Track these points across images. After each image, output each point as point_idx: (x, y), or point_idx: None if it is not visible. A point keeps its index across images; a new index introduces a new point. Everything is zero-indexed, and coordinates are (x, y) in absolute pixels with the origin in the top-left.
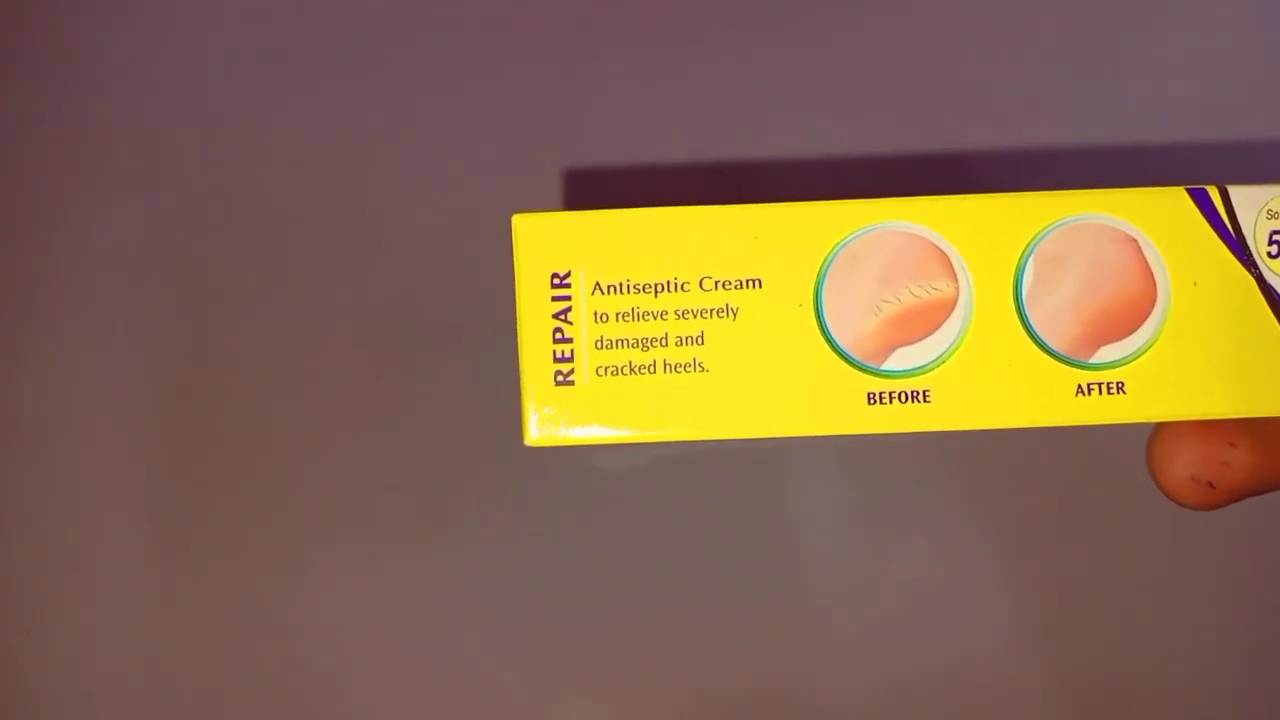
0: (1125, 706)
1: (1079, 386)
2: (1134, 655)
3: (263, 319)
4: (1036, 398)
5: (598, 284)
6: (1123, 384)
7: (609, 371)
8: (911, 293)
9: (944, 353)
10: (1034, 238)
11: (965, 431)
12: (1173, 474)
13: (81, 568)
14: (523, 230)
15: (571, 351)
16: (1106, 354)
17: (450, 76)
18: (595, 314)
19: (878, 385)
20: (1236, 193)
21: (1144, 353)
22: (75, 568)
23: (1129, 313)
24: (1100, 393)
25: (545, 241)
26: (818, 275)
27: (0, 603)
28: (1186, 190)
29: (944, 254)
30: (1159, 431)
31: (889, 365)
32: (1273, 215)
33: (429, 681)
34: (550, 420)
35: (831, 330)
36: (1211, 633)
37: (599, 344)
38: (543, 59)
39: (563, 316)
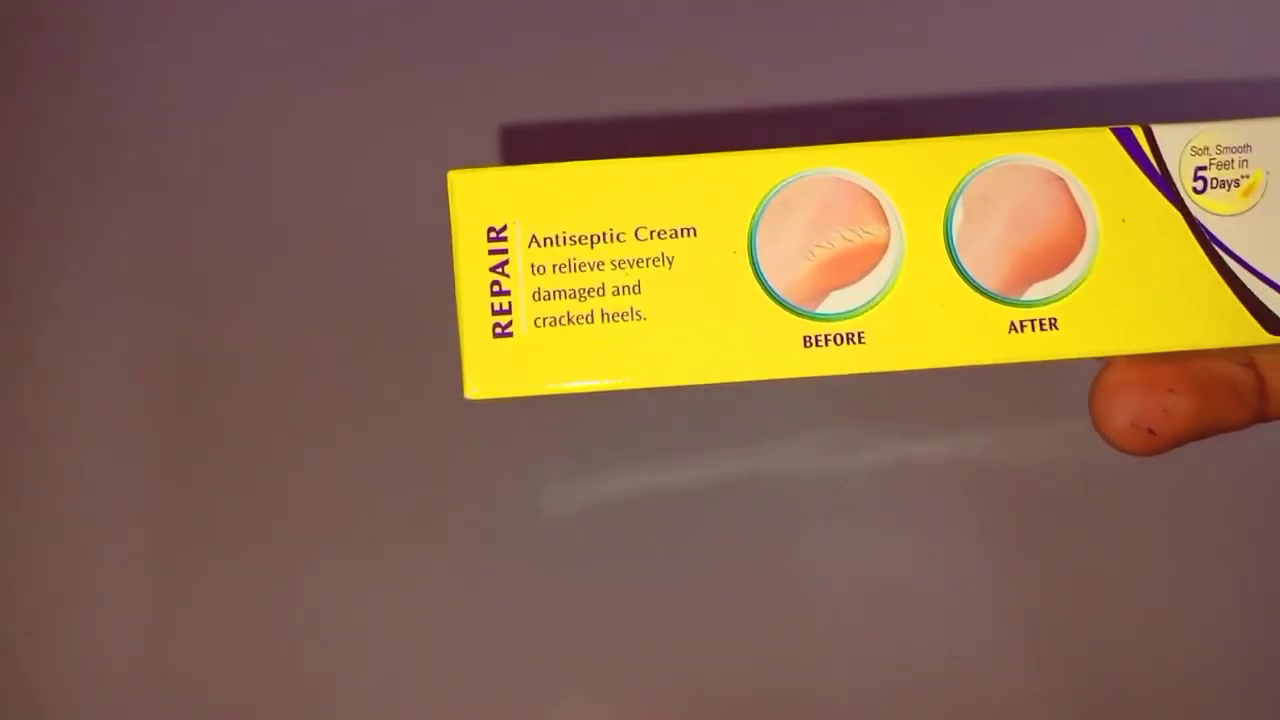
0: (1123, 705)
1: (1012, 324)
2: (1131, 652)
3: (263, 319)
4: (970, 336)
5: (534, 237)
6: (1055, 320)
7: (547, 322)
8: (844, 237)
9: (877, 294)
10: (962, 180)
11: (964, 433)
12: (1115, 422)
13: (81, 568)
14: (459, 186)
15: (509, 304)
16: (1038, 291)
17: (450, 74)
18: (532, 266)
19: (813, 329)
20: (1160, 131)
21: (1075, 289)
22: (75, 568)
23: (1059, 250)
24: (1033, 329)
25: (482, 196)
26: (751, 222)
27: (1, 603)
28: (1111, 130)
29: (874, 198)
30: (1100, 380)
31: (824, 309)
32: (1196, 152)
33: (429, 681)
34: (489, 373)
35: (766, 276)
36: (1206, 626)
37: (536, 295)
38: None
39: (500, 269)
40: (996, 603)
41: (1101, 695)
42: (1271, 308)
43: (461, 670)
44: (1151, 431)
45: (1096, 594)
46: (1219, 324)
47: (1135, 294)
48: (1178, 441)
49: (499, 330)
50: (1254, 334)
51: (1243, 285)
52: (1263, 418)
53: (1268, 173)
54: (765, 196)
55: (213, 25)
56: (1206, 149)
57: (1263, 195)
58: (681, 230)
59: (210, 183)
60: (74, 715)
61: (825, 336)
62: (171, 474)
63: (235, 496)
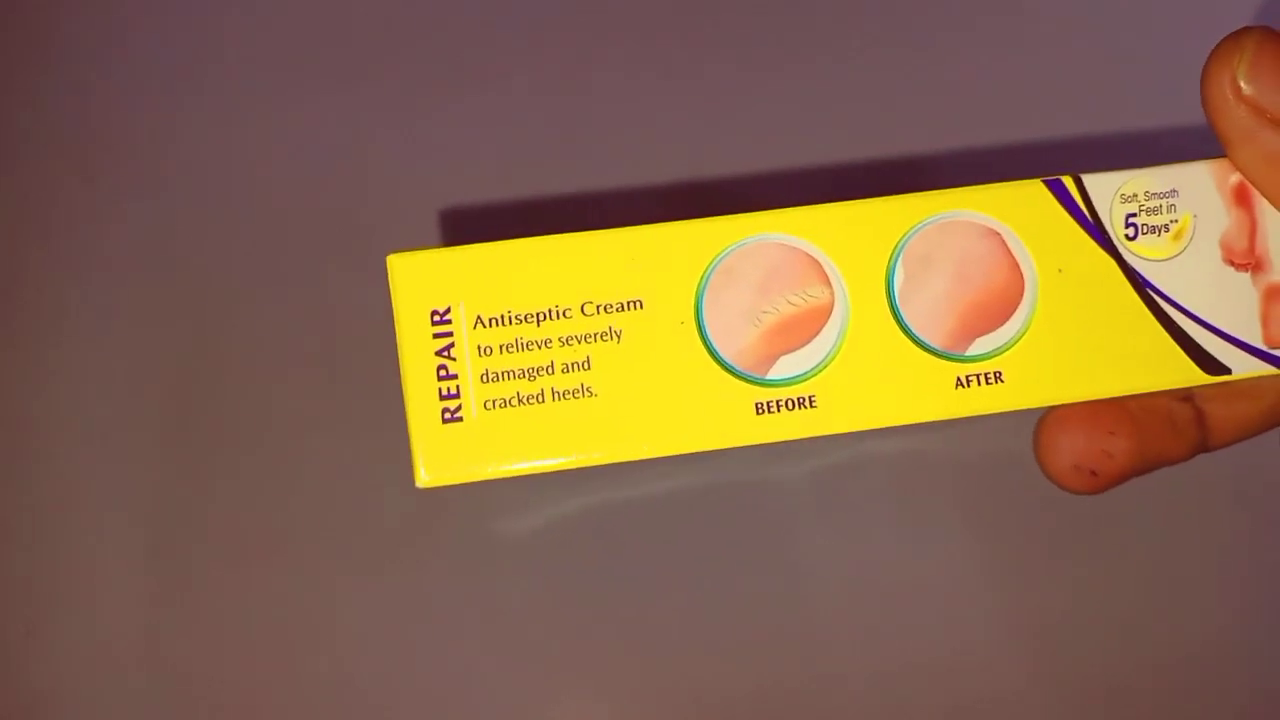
0: (1122, 705)
1: (958, 379)
2: (1130, 652)
3: (263, 319)
4: (918, 394)
5: (479, 317)
6: (999, 373)
7: (497, 404)
8: (789, 301)
9: (825, 358)
10: (900, 239)
11: (961, 431)
12: (1058, 464)
13: (81, 568)
14: (399, 270)
15: (457, 388)
16: (981, 345)
17: (451, 81)
18: (479, 348)
19: (764, 395)
20: (1090, 180)
21: (1017, 341)
22: (75, 568)
23: (999, 304)
24: (979, 383)
25: (423, 280)
26: (697, 292)
27: (0, 603)
28: (1043, 181)
29: (816, 261)
30: (1043, 422)
31: (773, 374)
32: (1126, 199)
33: (429, 681)
34: (440, 460)
35: (715, 344)
36: (1205, 625)
37: (485, 378)
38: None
39: (445, 353)
40: (996, 602)
41: (1100, 695)
42: (1208, 349)
43: (461, 670)
44: (1093, 473)
45: (1095, 593)
46: (1158, 367)
47: (1076, 343)
48: (1118, 481)
49: (448, 415)
50: (1192, 375)
51: (1179, 328)
52: (1203, 448)
53: (1195, 216)
54: (709, 266)
55: (219, 25)
56: (1135, 196)
57: (1192, 239)
58: (628, 303)
59: (210, 183)
60: (74, 715)
61: (777, 402)
62: (171, 474)
63: (235, 497)
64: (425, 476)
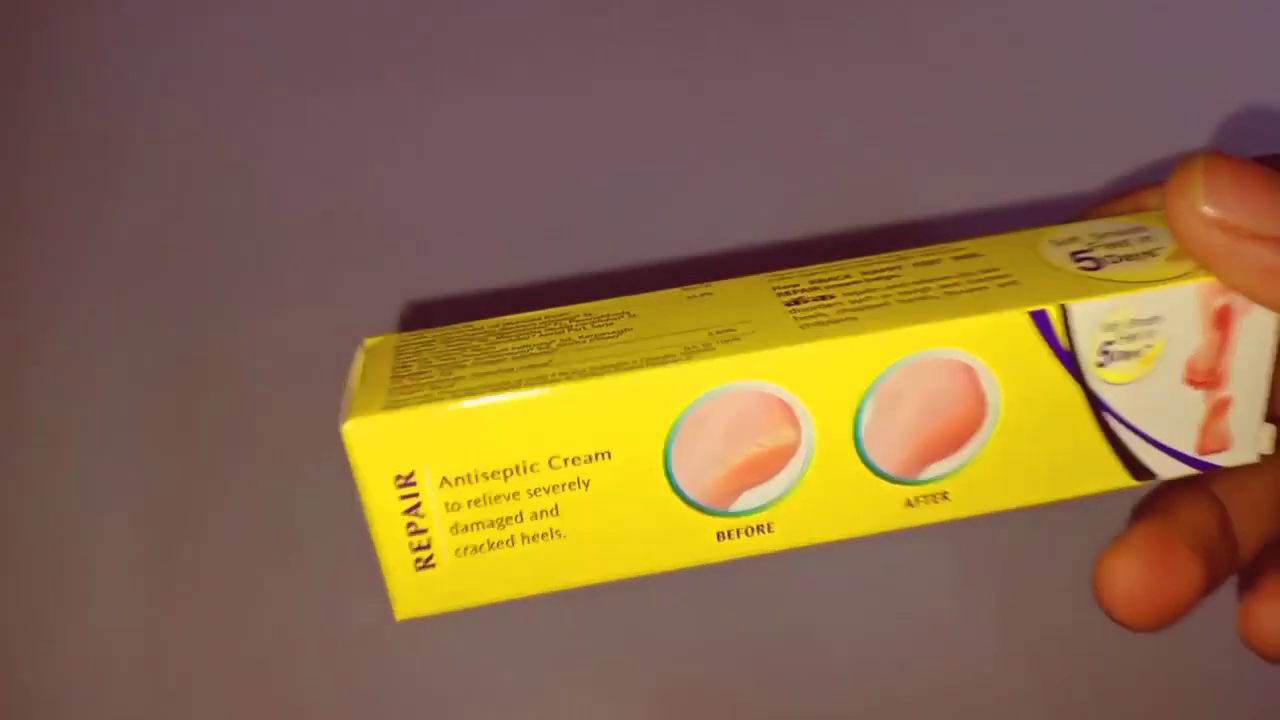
0: (1122, 705)
1: (908, 500)
2: (1130, 652)
3: (262, 319)
4: (869, 514)
5: (445, 478)
6: (945, 493)
7: (468, 551)
8: (757, 444)
9: (785, 491)
10: (873, 380)
11: None
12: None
13: (81, 568)
14: (358, 439)
15: (428, 541)
16: (935, 470)
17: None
18: (446, 504)
19: (726, 525)
20: (1076, 309)
21: (968, 466)
22: (75, 568)
23: (958, 434)
24: (926, 502)
25: (383, 446)
26: (665, 441)
27: (0, 603)
28: (1029, 313)
29: (787, 405)
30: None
31: (736, 507)
32: (1107, 328)
33: (429, 681)
34: (416, 598)
35: (681, 486)
36: (1209, 629)
37: (454, 529)
38: None
39: (414, 512)
40: (995, 601)
41: (1100, 695)
42: (1141, 459)
43: (461, 670)
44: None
45: (1087, 601)
46: (1090, 474)
47: (1021, 463)
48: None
49: (421, 564)
50: (1121, 480)
51: (1121, 442)
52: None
53: (1168, 341)
54: (678, 416)
55: (219, 25)
56: (1117, 324)
57: (1160, 362)
58: (596, 455)
59: (210, 183)
60: (74, 715)
61: (737, 530)
62: (171, 474)
63: (234, 497)
64: (404, 613)
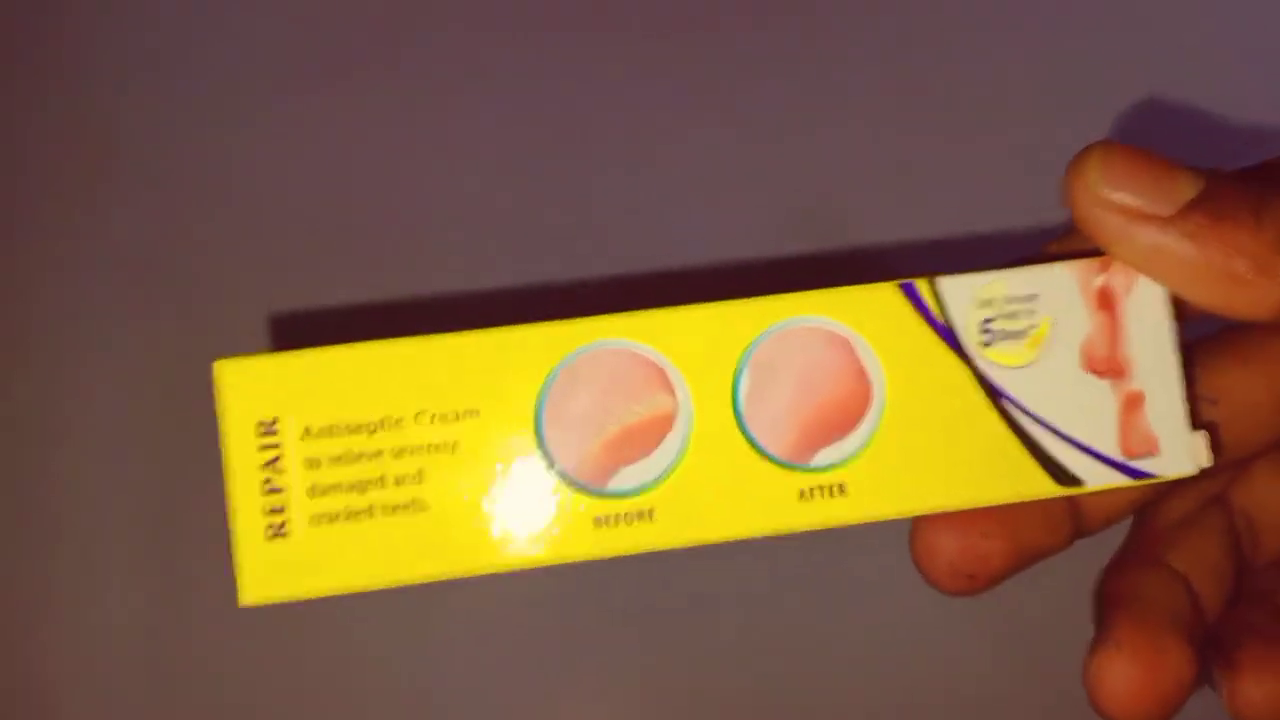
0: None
1: (801, 491)
2: None
3: (262, 319)
4: (760, 506)
5: (307, 429)
6: (843, 485)
7: (324, 520)
8: (631, 410)
9: (666, 469)
10: (747, 346)
11: None
12: (935, 569)
13: (81, 568)
14: (227, 377)
15: (284, 504)
16: (825, 456)
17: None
18: (306, 460)
19: (603, 508)
20: (946, 283)
21: (862, 453)
22: (75, 568)
23: (844, 414)
24: (822, 496)
25: (251, 388)
26: (536, 401)
27: (1, 603)
28: (898, 285)
29: (660, 369)
30: (917, 526)
31: (613, 486)
32: (983, 304)
33: (430, 680)
34: (264, 578)
35: (554, 455)
36: None
37: (312, 491)
38: None
39: (272, 465)
40: (996, 601)
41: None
42: (1060, 460)
43: (462, 670)
44: (971, 576)
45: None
46: (1007, 479)
47: (924, 454)
48: (996, 581)
49: (273, 530)
50: (1043, 487)
51: (1031, 438)
52: (1080, 534)
53: (1054, 321)
54: (549, 374)
55: (218, 24)
56: (992, 300)
57: (1050, 345)
58: (464, 412)
59: (210, 183)
60: (74, 715)
61: (615, 516)
62: (171, 474)
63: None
64: (249, 596)
